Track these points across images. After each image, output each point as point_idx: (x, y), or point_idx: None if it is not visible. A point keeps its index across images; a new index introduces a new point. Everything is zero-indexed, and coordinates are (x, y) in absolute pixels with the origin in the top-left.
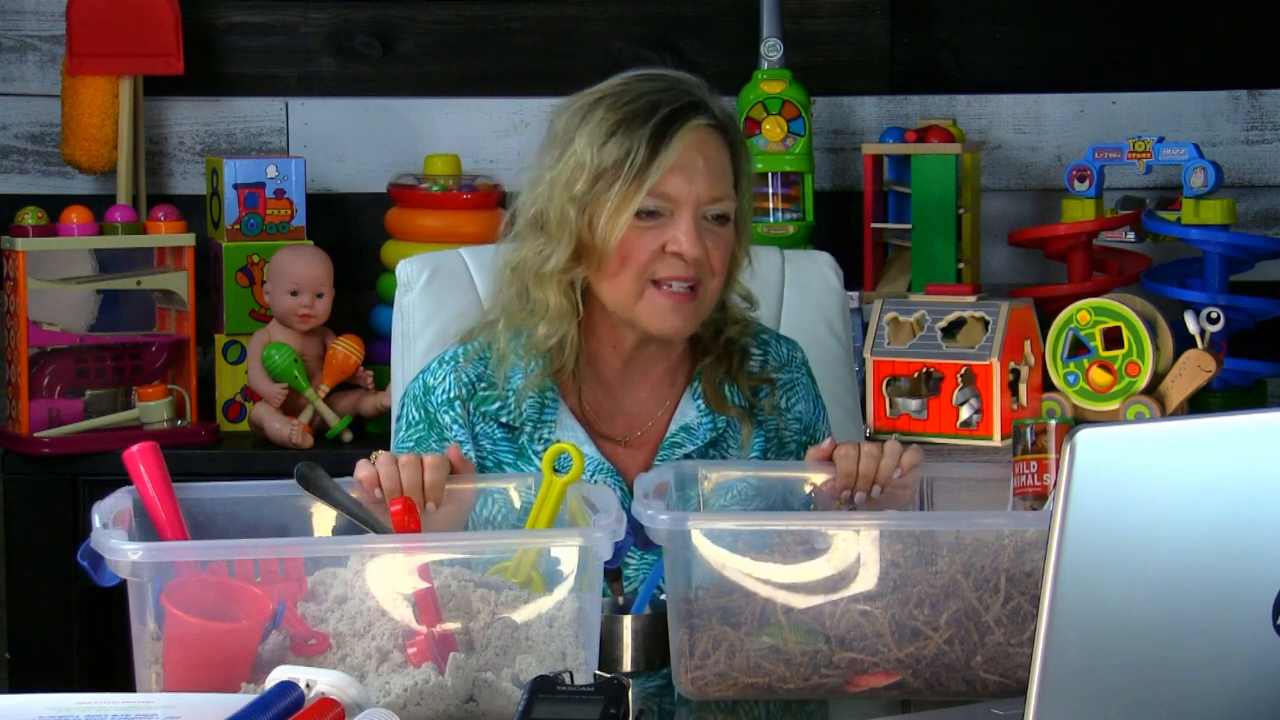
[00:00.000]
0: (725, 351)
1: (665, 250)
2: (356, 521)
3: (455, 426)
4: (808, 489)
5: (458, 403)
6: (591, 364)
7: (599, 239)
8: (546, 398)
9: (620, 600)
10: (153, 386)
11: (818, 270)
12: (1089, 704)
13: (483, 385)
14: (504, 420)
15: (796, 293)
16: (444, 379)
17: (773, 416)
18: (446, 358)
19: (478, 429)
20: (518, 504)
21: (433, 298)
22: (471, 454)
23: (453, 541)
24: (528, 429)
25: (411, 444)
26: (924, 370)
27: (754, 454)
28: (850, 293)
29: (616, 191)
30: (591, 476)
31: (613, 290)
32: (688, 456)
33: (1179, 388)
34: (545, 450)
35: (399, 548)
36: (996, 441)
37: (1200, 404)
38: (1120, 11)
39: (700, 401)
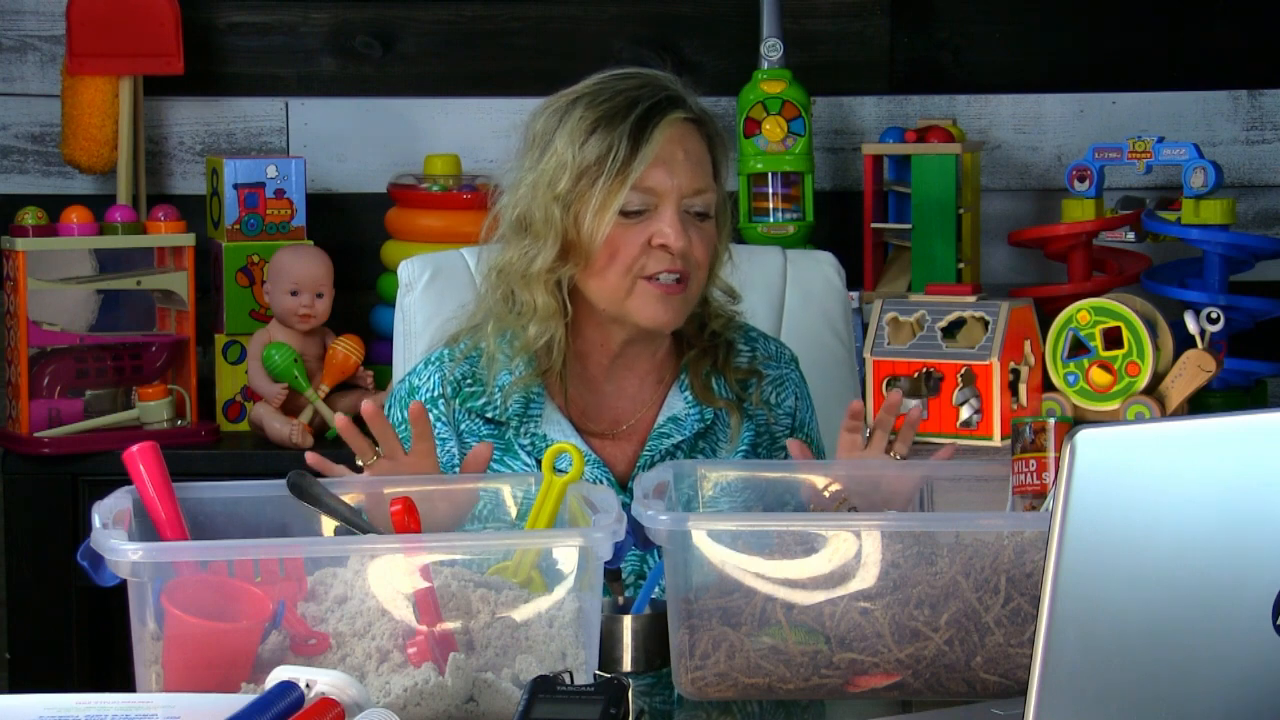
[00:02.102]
0: (710, 345)
1: (651, 244)
2: (351, 527)
3: (439, 424)
4: (822, 486)
5: (441, 401)
6: (578, 362)
7: (585, 237)
8: (532, 394)
9: (620, 600)
10: (153, 386)
11: (820, 270)
12: (1089, 704)
13: (468, 383)
14: (489, 416)
15: (798, 293)
16: (429, 379)
17: (762, 410)
18: (433, 359)
19: (462, 426)
20: (509, 501)
21: (434, 298)
22: (455, 451)
23: (453, 541)
24: (513, 424)
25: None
26: (924, 370)
27: (743, 446)
28: (850, 293)
29: (600, 188)
30: None
31: (601, 287)
32: (676, 447)
33: (1179, 388)
34: (531, 445)
35: (399, 548)
36: (996, 441)
37: (1200, 404)
38: (1120, 11)
39: (688, 394)
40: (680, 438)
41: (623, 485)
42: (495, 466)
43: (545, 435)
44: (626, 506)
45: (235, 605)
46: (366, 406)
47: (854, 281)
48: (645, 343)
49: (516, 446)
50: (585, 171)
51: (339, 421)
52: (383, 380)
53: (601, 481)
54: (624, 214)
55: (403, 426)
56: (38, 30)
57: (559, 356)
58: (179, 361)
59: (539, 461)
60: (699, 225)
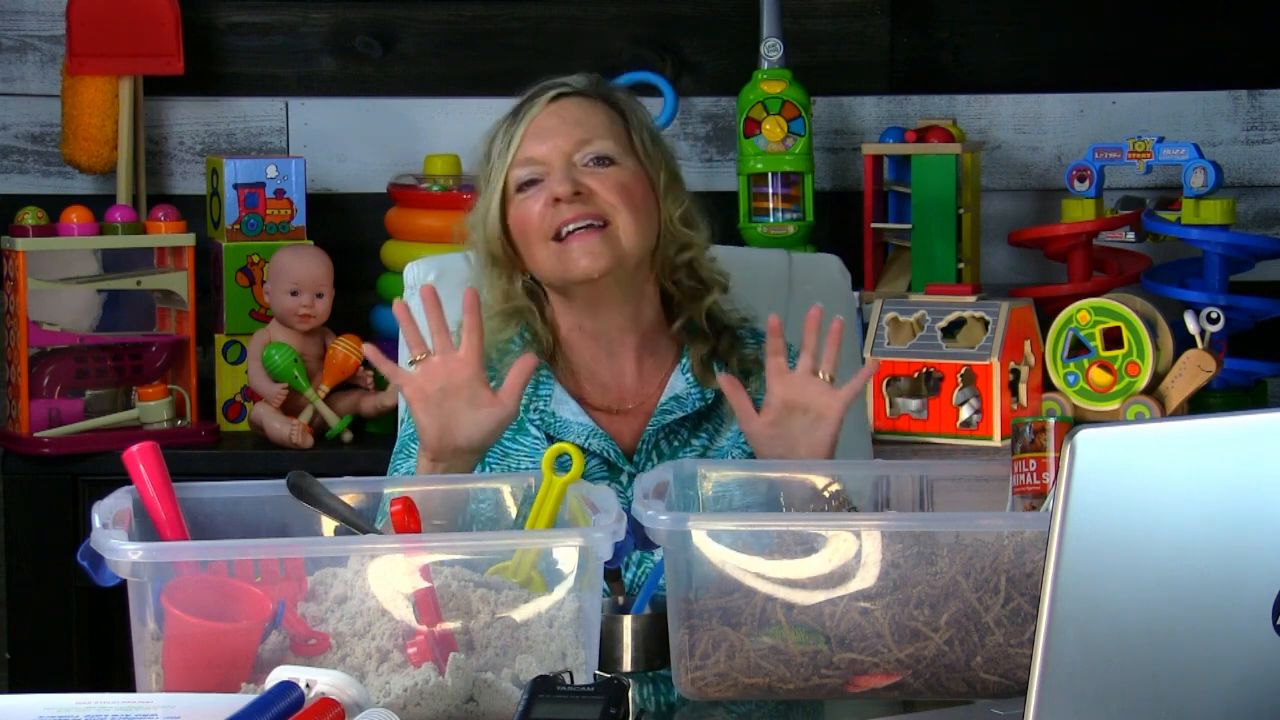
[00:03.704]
0: (712, 329)
1: (549, 203)
2: (351, 527)
3: None
4: (822, 486)
5: None
6: (570, 351)
7: (492, 226)
8: (540, 375)
9: (620, 600)
10: (153, 386)
11: (825, 273)
12: (1089, 704)
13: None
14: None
15: (804, 295)
16: None
17: (762, 397)
18: None
19: None
20: (509, 500)
21: None
22: None
23: (453, 541)
24: (523, 402)
25: (410, 431)
26: (924, 370)
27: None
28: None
29: (494, 178)
30: (585, 441)
31: (535, 264)
32: (680, 423)
33: (1179, 388)
34: (541, 421)
35: (399, 548)
36: (996, 441)
37: (1200, 404)
38: (1120, 11)
39: (689, 375)
40: (682, 413)
41: (628, 457)
42: (506, 444)
43: (554, 413)
44: (632, 476)
45: (235, 605)
46: (398, 305)
47: (854, 281)
48: (611, 313)
49: (527, 424)
50: (485, 175)
51: (369, 351)
52: (383, 380)
53: (608, 452)
54: (520, 190)
55: (410, 423)
56: (38, 30)
57: (547, 338)
58: (179, 361)
59: (549, 436)
60: (600, 172)
